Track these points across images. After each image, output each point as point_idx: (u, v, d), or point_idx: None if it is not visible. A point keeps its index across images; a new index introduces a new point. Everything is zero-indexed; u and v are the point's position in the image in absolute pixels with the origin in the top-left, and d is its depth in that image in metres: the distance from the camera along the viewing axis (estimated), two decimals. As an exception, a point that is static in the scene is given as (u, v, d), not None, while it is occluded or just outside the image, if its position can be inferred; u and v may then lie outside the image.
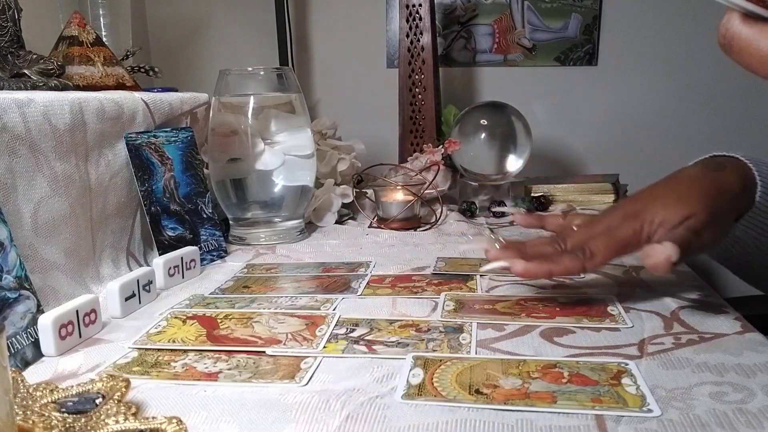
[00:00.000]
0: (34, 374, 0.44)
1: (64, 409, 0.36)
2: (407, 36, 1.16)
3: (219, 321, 0.53)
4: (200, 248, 0.71)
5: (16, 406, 0.36)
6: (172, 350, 0.48)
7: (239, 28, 1.39)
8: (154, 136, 0.72)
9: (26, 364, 0.46)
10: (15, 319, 0.46)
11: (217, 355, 0.47)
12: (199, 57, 1.40)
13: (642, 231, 0.51)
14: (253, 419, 0.37)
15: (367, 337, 0.49)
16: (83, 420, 0.35)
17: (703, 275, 0.66)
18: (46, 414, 0.35)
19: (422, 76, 1.16)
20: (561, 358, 0.44)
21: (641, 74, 1.34)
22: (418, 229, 0.91)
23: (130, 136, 0.68)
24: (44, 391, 0.38)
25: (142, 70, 0.95)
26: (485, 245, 0.56)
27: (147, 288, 0.59)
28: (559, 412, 0.37)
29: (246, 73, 0.85)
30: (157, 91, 0.80)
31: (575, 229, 0.56)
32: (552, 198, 1.06)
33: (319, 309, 0.56)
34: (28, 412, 0.35)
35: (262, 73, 0.85)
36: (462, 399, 0.38)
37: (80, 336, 0.50)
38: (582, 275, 0.64)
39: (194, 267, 0.68)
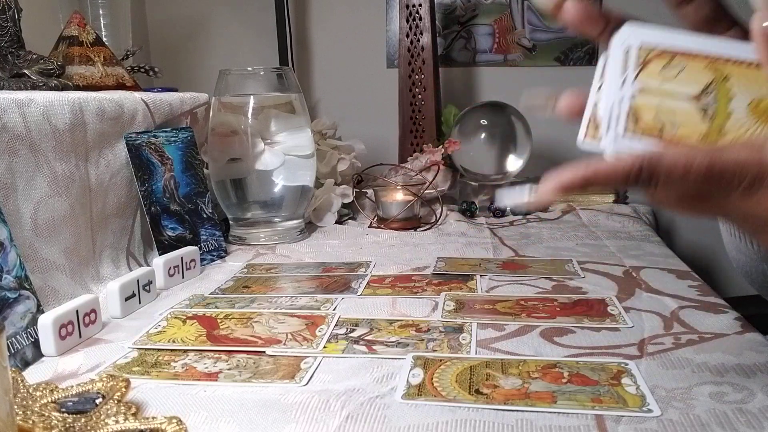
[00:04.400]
0: (34, 374, 0.44)
1: (64, 409, 0.36)
2: (407, 36, 1.16)
3: (219, 321, 0.53)
4: (200, 248, 0.71)
5: (16, 406, 0.36)
6: (172, 350, 0.48)
7: (239, 28, 1.38)
8: (154, 136, 0.72)
9: (26, 364, 0.46)
10: (15, 319, 0.46)
11: (217, 355, 0.47)
12: (199, 57, 1.40)
13: None
14: (253, 419, 0.37)
15: (367, 337, 0.49)
16: (83, 420, 0.35)
17: (703, 275, 0.66)
18: (46, 414, 0.35)
19: (422, 76, 1.16)
20: (561, 358, 0.44)
21: (641, 74, 1.34)
22: (418, 229, 0.91)
23: (130, 136, 0.68)
24: (44, 391, 0.38)
25: (142, 70, 0.95)
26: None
27: (147, 288, 0.59)
28: (559, 412, 0.37)
29: (246, 73, 0.85)
30: (157, 91, 0.80)
31: None
32: (552, 198, 1.06)
33: (319, 309, 0.56)
34: (28, 412, 0.35)
35: (262, 73, 0.85)
36: (462, 399, 0.38)
37: (80, 336, 0.50)
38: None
39: (194, 267, 0.68)
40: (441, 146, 1.02)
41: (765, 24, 0.31)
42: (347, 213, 0.98)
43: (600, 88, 0.36)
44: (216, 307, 0.57)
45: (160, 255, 0.67)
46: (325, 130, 1.02)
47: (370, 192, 1.00)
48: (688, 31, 0.36)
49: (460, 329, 0.50)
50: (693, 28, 0.37)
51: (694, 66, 0.35)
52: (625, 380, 0.40)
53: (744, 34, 0.37)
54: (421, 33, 1.15)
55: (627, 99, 0.35)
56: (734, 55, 0.34)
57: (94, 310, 0.51)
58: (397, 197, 0.91)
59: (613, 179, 0.33)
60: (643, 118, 0.35)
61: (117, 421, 0.35)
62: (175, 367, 0.45)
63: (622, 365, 0.42)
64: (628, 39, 0.36)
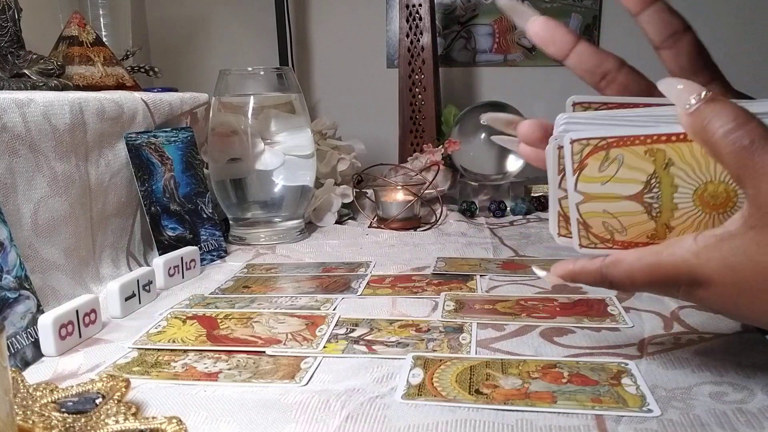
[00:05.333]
0: (34, 374, 0.44)
1: (64, 409, 0.36)
2: (407, 36, 1.16)
3: (219, 321, 0.53)
4: (200, 248, 0.71)
5: (16, 406, 0.36)
6: (172, 350, 0.48)
7: (239, 28, 1.39)
8: (154, 136, 0.72)
9: (26, 364, 0.46)
10: (15, 319, 0.46)
11: (217, 355, 0.47)
12: (199, 57, 1.40)
13: None
14: (253, 419, 0.37)
15: (367, 337, 0.49)
16: (83, 420, 0.35)
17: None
18: (46, 414, 0.35)
19: (422, 76, 1.16)
20: (561, 358, 0.44)
21: (641, 74, 1.34)
22: (418, 229, 0.91)
23: (130, 136, 0.68)
24: (44, 391, 0.38)
25: (142, 70, 0.95)
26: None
27: (147, 288, 0.59)
28: (559, 412, 0.37)
29: (246, 73, 0.85)
30: (157, 91, 0.80)
31: None
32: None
33: (319, 309, 0.56)
34: (28, 412, 0.35)
35: (262, 73, 0.85)
36: (462, 399, 0.38)
37: (80, 336, 0.50)
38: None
39: (194, 267, 0.68)
40: (441, 146, 1.02)
41: (687, 107, 0.31)
42: (347, 213, 0.98)
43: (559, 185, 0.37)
44: (216, 307, 0.57)
45: (160, 255, 0.67)
46: (325, 130, 1.02)
47: (370, 192, 1.00)
48: (621, 111, 0.36)
49: (460, 329, 0.50)
50: (672, 74, 0.37)
51: (633, 154, 0.34)
52: (625, 380, 0.40)
53: (725, 87, 0.37)
54: (421, 33, 1.15)
55: (575, 211, 0.36)
56: (672, 131, 0.33)
57: (94, 310, 0.51)
58: (397, 197, 0.91)
59: (590, 281, 0.37)
60: (593, 227, 0.36)
61: (117, 421, 0.35)
62: (175, 367, 0.45)
63: (622, 365, 0.42)
64: (559, 137, 0.36)
